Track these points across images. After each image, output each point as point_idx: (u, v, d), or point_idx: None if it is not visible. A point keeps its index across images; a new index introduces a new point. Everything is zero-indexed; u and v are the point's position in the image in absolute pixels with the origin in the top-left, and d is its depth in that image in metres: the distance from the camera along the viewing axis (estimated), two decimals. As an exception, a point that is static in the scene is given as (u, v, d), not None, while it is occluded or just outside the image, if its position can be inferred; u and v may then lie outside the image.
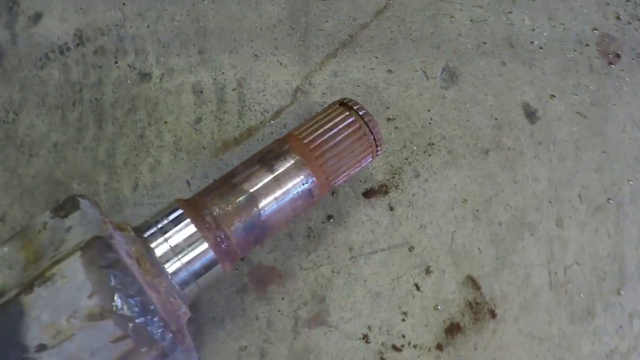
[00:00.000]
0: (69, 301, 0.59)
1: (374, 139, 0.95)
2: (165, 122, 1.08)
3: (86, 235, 0.64)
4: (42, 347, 0.59)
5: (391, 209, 1.07)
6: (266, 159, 0.91)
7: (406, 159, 1.11)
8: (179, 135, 1.07)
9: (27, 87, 1.09)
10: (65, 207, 0.70)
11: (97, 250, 0.61)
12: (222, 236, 0.83)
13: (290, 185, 0.90)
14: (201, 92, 1.10)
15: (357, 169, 0.97)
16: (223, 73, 1.11)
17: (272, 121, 1.08)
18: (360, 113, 0.94)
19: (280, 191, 0.89)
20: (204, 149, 1.04)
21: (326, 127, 0.94)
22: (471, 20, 1.23)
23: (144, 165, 1.03)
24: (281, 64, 1.13)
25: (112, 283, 0.60)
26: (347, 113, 0.95)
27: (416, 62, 1.12)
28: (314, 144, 0.92)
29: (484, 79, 1.19)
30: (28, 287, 0.61)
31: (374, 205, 1.07)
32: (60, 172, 1.03)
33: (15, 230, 1.01)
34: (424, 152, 1.12)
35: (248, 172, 0.88)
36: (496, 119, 1.17)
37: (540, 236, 1.13)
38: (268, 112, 1.06)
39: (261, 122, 1.08)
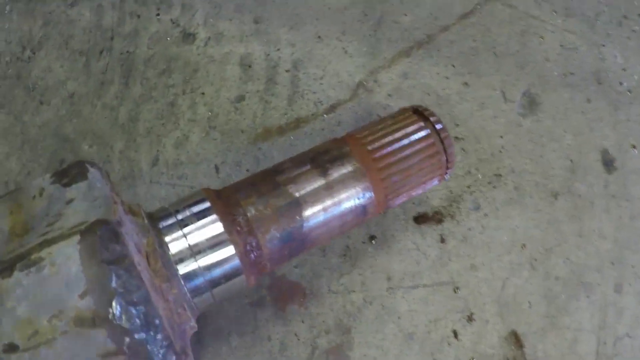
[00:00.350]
0: (55, 297, 0.48)
1: (447, 160, 0.80)
2: (203, 94, 0.93)
3: (89, 215, 0.53)
4: (11, 348, 0.46)
5: (442, 240, 0.92)
6: (320, 161, 0.76)
7: (468, 187, 0.95)
8: (216, 112, 0.92)
9: (52, 24, 0.94)
10: (69, 173, 0.60)
11: (100, 238, 0.50)
12: (254, 244, 0.69)
13: (343, 195, 0.75)
14: (249, 66, 0.94)
15: (419, 191, 0.81)
16: (278, 50, 0.95)
17: (325, 115, 0.93)
18: (437, 127, 0.79)
19: (331, 201, 0.74)
20: (242, 132, 0.88)
21: (396, 135, 0.78)
22: (561, 45, 1.08)
23: (168, 138, 0.89)
24: (346, 52, 0.97)
25: (113, 284, 0.49)
26: (422, 124, 0.79)
27: (496, 80, 0.98)
28: (379, 153, 0.76)
29: (565, 114, 1.03)
30: (7, 269, 0.49)
31: (424, 234, 0.92)
32: (71, 128, 0.90)
33: (8, 186, 0.85)
34: (489, 182, 0.96)
35: (296, 172, 0.74)
36: (571, 161, 1.02)
37: (595, 299, 0.98)
38: (322, 103, 0.92)
39: (312, 114, 0.93)
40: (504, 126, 1.00)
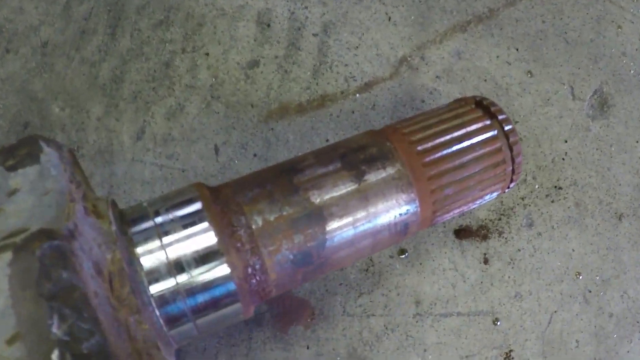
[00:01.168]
0: (-30, 342, 0.34)
1: (513, 171, 0.61)
2: (206, 54, 0.73)
3: (33, 219, 0.40)
4: None
5: (485, 261, 0.74)
6: (353, 159, 0.57)
7: (522, 199, 0.77)
8: (221, 78, 0.73)
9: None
10: (17, 151, 0.46)
11: (41, 261, 0.36)
12: (257, 266, 0.53)
13: (381, 207, 0.56)
14: (268, 25, 0.74)
15: (474, 206, 0.62)
16: (306, 8, 0.75)
17: (357, 94, 0.74)
18: (506, 129, 0.60)
19: (364, 214, 0.55)
20: (252, 106, 0.70)
21: (454, 134, 0.59)
22: (641, 37, 0.86)
23: (159, 107, 0.76)
24: (390, 19, 0.76)
25: (55, 329, 0.34)
26: (488, 123, 0.59)
27: (564, 72, 0.81)
28: (432, 156, 0.58)
29: (639, 120, 0.83)
30: None
31: (465, 251, 0.73)
32: (40, 84, 0.76)
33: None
34: (547, 195, 0.78)
35: (320, 172, 0.54)
36: (641, 177, 0.82)
37: (649, 342, 0.81)
38: (355, 79, 0.74)
39: (342, 92, 0.74)
40: (570, 129, 0.81)
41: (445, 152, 0.58)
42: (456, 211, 0.62)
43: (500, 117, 0.61)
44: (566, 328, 0.77)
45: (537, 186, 0.78)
